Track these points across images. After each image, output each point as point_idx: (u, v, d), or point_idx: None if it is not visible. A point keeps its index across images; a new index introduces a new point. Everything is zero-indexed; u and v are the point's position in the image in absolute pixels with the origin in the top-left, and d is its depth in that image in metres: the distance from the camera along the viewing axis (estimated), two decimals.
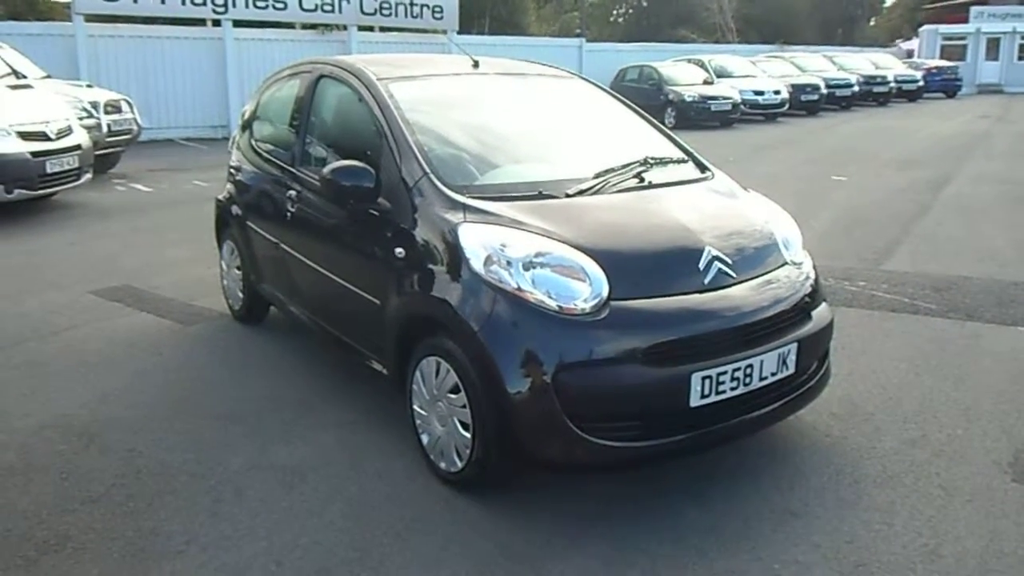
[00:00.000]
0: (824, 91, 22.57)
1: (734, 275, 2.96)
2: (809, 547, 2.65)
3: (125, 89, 12.17)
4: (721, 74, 21.09)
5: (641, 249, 2.90)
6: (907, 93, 26.30)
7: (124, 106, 10.53)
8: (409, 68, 3.82)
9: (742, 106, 19.27)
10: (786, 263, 3.21)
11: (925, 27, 33.97)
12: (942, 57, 31.50)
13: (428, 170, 3.10)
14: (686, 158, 3.75)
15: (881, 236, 7.22)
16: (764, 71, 22.52)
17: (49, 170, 7.72)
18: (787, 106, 20.72)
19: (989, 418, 3.55)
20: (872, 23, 58.30)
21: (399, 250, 3.09)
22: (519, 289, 2.69)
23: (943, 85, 27.97)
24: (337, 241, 3.58)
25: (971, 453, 3.24)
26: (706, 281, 2.89)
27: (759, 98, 20.25)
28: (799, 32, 42.19)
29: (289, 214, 3.93)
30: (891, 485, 3.02)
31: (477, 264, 2.78)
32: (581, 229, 2.90)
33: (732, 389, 2.81)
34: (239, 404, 3.77)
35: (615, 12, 52.19)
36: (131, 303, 5.31)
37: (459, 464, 2.90)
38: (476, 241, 2.82)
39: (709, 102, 18.75)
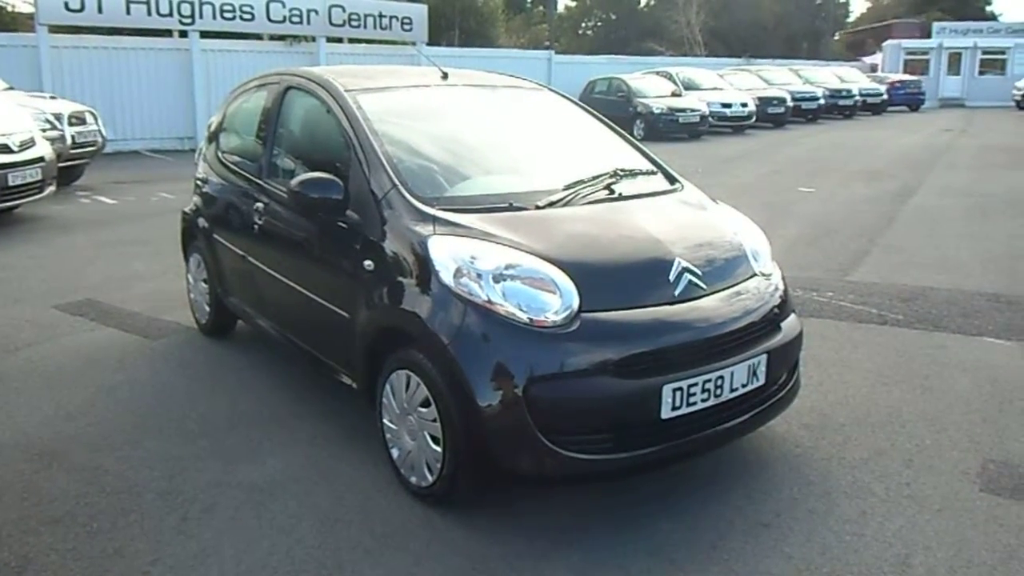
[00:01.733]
0: (790, 104, 22.89)
1: (704, 287, 2.97)
2: (781, 558, 2.66)
3: (90, 101, 12.00)
4: (689, 87, 21.31)
5: (611, 261, 2.90)
6: (872, 106, 26.78)
7: (89, 118, 10.37)
8: (377, 79, 3.81)
9: (710, 118, 19.48)
10: (755, 274, 3.23)
11: (889, 42, 34.67)
12: (905, 71, 32.15)
13: (397, 182, 3.08)
14: (655, 170, 3.77)
15: (848, 247, 7.32)
16: (731, 84, 22.81)
17: (11, 183, 7.57)
18: (754, 119, 20.99)
19: (956, 428, 3.59)
20: (836, 37, 59.39)
21: (368, 263, 3.06)
22: (489, 302, 2.68)
23: (907, 99, 28.52)
24: (305, 254, 3.54)
25: (940, 463, 3.28)
26: (676, 293, 2.89)
27: (727, 110, 20.50)
28: (765, 46, 42.82)
29: (256, 226, 3.88)
30: (861, 495, 3.04)
31: (447, 277, 2.76)
32: (551, 241, 2.89)
33: (703, 401, 2.81)
34: (207, 420, 3.71)
35: (584, 24, 52.65)
36: (95, 317, 5.20)
37: (430, 478, 2.87)
38: (446, 253, 2.81)
39: (677, 114, 18.92)
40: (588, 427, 2.68)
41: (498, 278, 2.71)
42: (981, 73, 31.83)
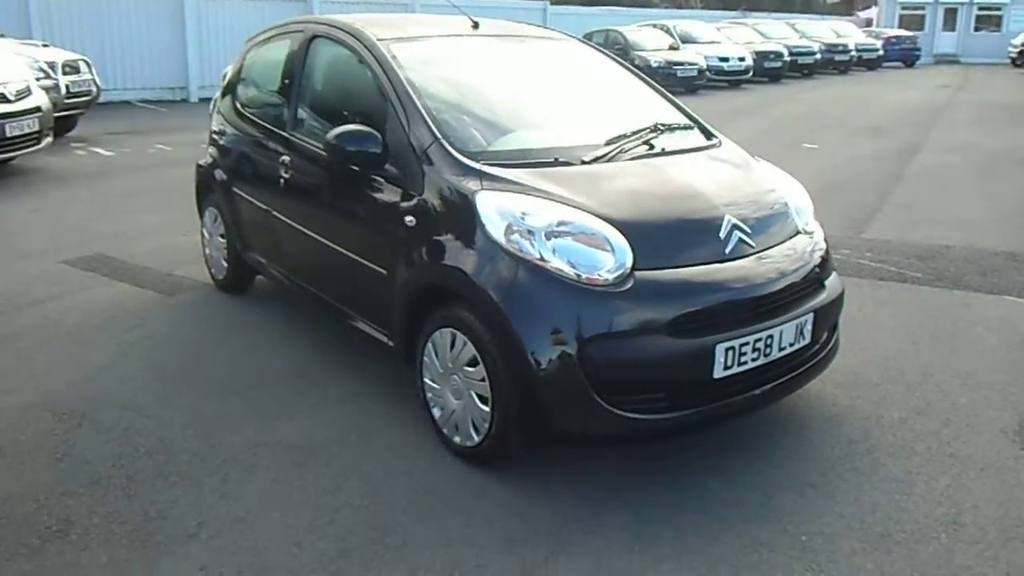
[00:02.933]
0: (787, 59, 22.67)
1: (753, 244, 2.92)
2: (833, 517, 2.65)
3: (80, 49, 11.63)
4: (686, 40, 21.02)
5: (663, 218, 2.83)
6: (867, 62, 26.57)
7: (83, 67, 10.07)
8: (408, 28, 3.67)
9: (707, 72, 19.25)
10: (799, 232, 3.18)
11: None
12: (900, 26, 31.86)
13: (439, 135, 2.99)
14: (692, 124, 3.68)
15: (858, 205, 7.28)
16: (728, 38, 22.52)
17: (8, 133, 7.36)
18: (751, 73, 20.78)
19: (990, 387, 3.59)
20: None
21: (409, 218, 2.98)
22: (542, 259, 2.61)
23: (902, 54, 28.31)
24: (339, 209, 3.45)
25: (977, 422, 3.28)
26: (727, 250, 2.84)
27: (724, 64, 20.27)
28: (758, 0, 42.24)
29: (282, 180, 3.77)
30: (904, 455, 3.04)
31: (497, 233, 2.69)
32: (601, 197, 2.82)
33: (753, 360, 2.78)
34: (234, 377, 3.65)
35: None
36: (107, 273, 5.10)
37: (476, 438, 2.84)
38: (495, 209, 2.73)
39: (675, 68, 18.67)
40: (642, 386, 2.64)
41: (550, 235, 2.64)
42: (976, 29, 31.63)
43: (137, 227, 6.23)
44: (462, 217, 2.81)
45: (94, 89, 10.27)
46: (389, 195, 3.09)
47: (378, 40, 3.42)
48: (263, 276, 4.52)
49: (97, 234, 5.98)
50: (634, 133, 3.31)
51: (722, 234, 2.85)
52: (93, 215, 6.65)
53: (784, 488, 2.82)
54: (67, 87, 9.60)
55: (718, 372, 2.69)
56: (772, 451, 3.07)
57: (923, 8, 32.43)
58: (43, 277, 5.00)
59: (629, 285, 2.61)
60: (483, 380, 2.74)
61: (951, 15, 31.97)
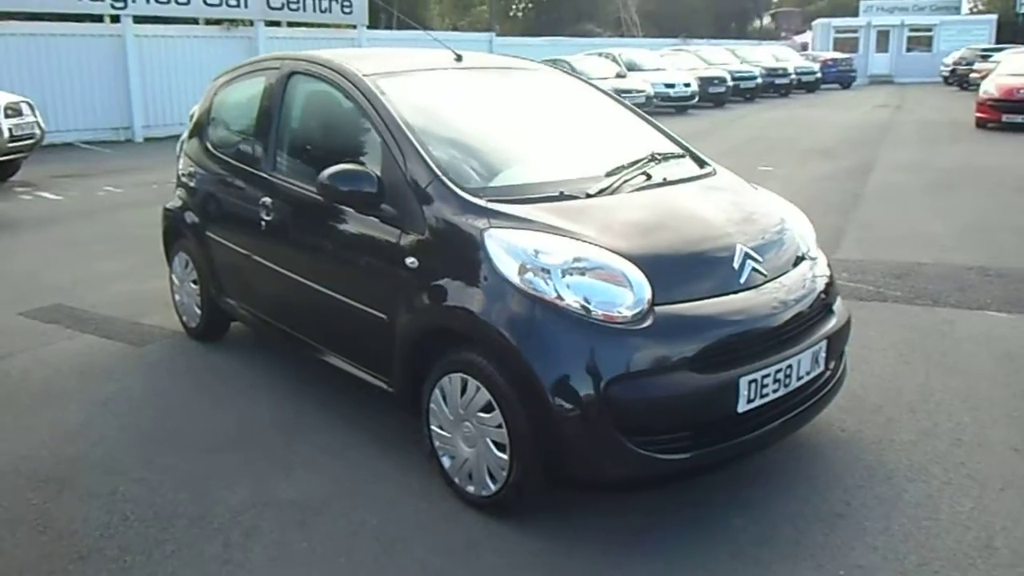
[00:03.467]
0: (730, 83, 23.18)
1: (765, 273, 2.87)
2: (866, 549, 2.59)
3: (19, 91, 11.25)
4: (632, 67, 21.36)
5: (677, 250, 2.77)
6: (806, 84, 27.33)
7: (25, 108, 9.70)
8: (393, 63, 3.57)
9: (654, 99, 19.55)
10: (805, 258, 3.15)
11: (819, 20, 35.41)
12: (835, 49, 32.91)
13: (439, 172, 2.88)
14: (684, 152, 3.65)
15: (823, 225, 7.23)
16: (672, 64, 22.95)
17: None
18: (696, 99, 21.17)
19: (991, 405, 3.59)
20: (766, 19, 60.61)
21: (411, 260, 2.86)
22: (559, 298, 2.52)
23: (839, 76, 29.22)
24: (330, 252, 3.30)
25: (986, 441, 3.27)
26: (742, 280, 2.79)
27: (670, 91, 20.61)
28: (694, 26, 43.34)
29: (263, 223, 3.61)
30: (923, 479, 3.00)
31: (510, 273, 2.58)
32: (613, 231, 2.74)
33: (774, 391, 2.72)
34: (218, 432, 3.45)
35: (515, 7, 52.38)
36: (70, 324, 4.84)
37: (493, 487, 2.71)
38: (506, 248, 2.63)
39: (623, 95, 18.70)
40: (668, 425, 2.55)
41: (566, 272, 2.55)
42: (908, 50, 32.84)
43: (95, 274, 5.96)
44: (470, 256, 2.70)
45: (38, 132, 9.91)
46: (386, 236, 2.97)
47: (364, 76, 3.31)
48: (240, 322, 4.34)
49: (53, 283, 5.70)
50: (632, 164, 3.25)
51: (736, 264, 2.80)
52: (47, 263, 6.35)
53: (812, 520, 2.75)
54: (10, 130, 9.24)
55: (742, 406, 2.62)
56: (791, 481, 3.01)
57: (856, 31, 33.58)
58: (2, 331, 4.72)
59: (650, 321, 2.53)
60: (500, 426, 2.62)
61: (884, 37, 33.19)
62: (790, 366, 2.75)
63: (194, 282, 4.41)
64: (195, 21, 15.94)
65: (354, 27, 18.00)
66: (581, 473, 2.57)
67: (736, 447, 2.66)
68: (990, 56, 23.97)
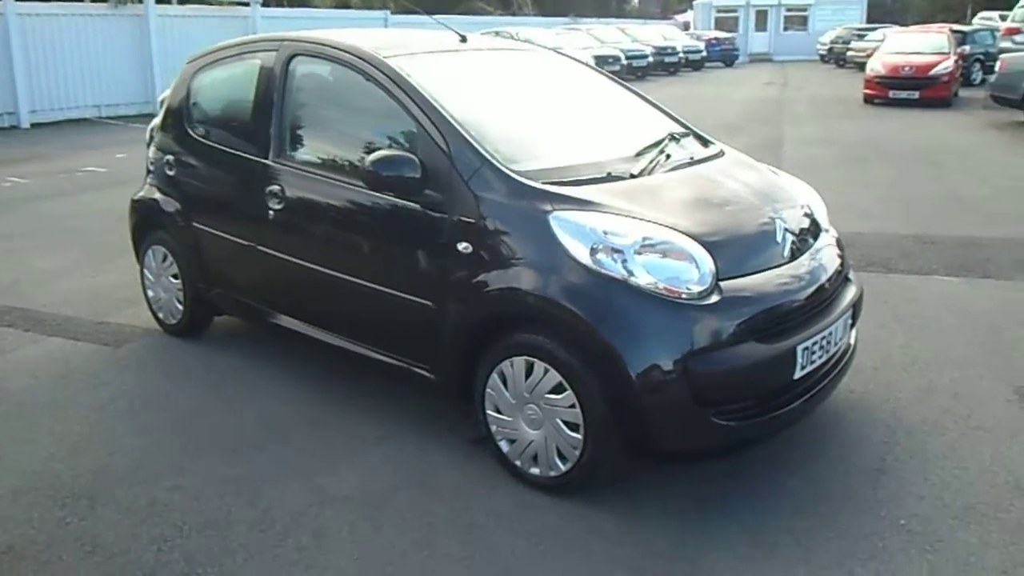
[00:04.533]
0: (624, 62, 23.62)
1: (800, 245, 3.01)
2: (915, 499, 2.78)
3: None
4: None
5: (730, 226, 2.86)
6: (692, 63, 28.22)
7: None
8: (405, 44, 3.48)
9: None
10: (823, 231, 3.31)
11: (701, 1, 36.59)
12: (716, 28, 34.11)
13: (488, 156, 2.85)
14: (689, 131, 3.75)
15: None
16: (568, 43, 23.16)
17: None
18: None
19: (971, 362, 3.89)
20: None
21: (463, 245, 2.82)
22: (633, 277, 2.56)
23: (722, 55, 30.33)
24: (362, 240, 3.20)
25: (980, 394, 3.55)
26: (785, 253, 2.92)
27: None
28: (576, 5, 43.88)
29: (272, 212, 3.47)
30: (938, 432, 3.23)
31: (581, 254, 2.60)
32: (668, 210, 2.81)
33: (819, 358, 2.87)
34: (244, 432, 3.32)
35: None
36: (28, 327, 4.49)
37: (562, 467, 2.74)
38: (574, 230, 2.65)
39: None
40: (738, 395, 2.65)
41: (638, 252, 2.60)
42: (785, 29, 34.45)
43: (34, 272, 5.54)
44: (534, 239, 2.70)
45: None
46: (431, 222, 2.92)
47: (385, 58, 3.22)
48: (230, 316, 4.15)
49: None
50: (656, 144, 3.32)
51: (779, 238, 2.93)
52: None
53: (857, 476, 2.93)
54: None
55: (797, 373, 2.75)
56: (823, 442, 3.18)
57: (736, 11, 34.95)
58: None
59: (719, 296, 2.61)
60: (572, 406, 2.64)
61: (762, 16, 34.69)
62: (830, 333, 2.91)
63: (174, 276, 4.17)
64: None
65: (247, 4, 17.23)
66: (662, 446, 2.64)
67: (792, 413, 2.80)
68: (865, 35, 25.47)
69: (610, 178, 2.95)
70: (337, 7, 34.00)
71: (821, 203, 3.49)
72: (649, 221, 2.69)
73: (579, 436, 2.66)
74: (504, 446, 2.89)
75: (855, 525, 2.65)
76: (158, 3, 15.51)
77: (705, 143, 3.71)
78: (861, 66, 23.88)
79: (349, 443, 3.21)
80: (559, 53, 4.13)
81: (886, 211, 7.08)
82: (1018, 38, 15.76)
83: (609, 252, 2.60)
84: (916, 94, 14.66)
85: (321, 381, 3.74)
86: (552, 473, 2.77)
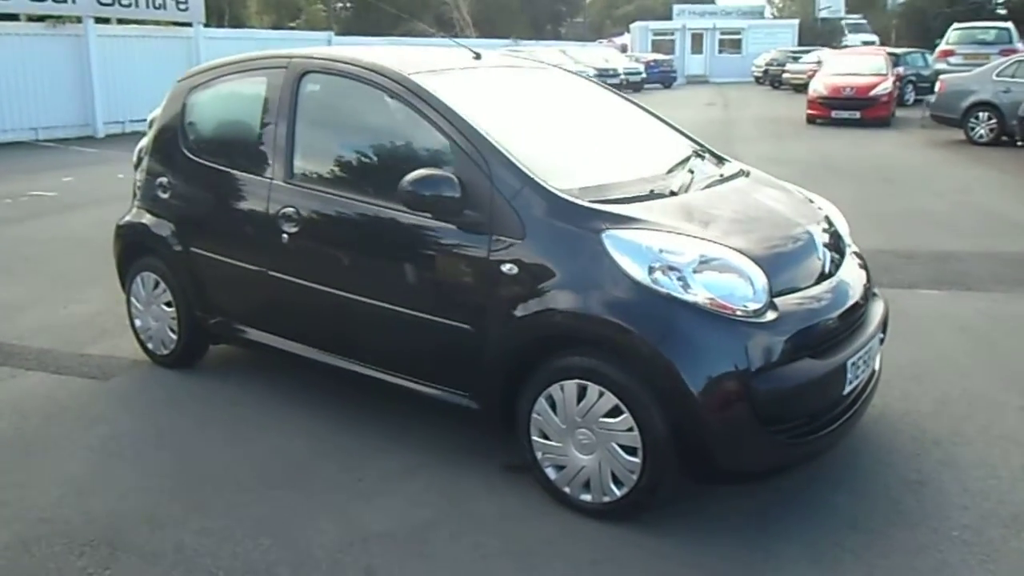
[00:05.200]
0: None
1: (836, 260, 3.03)
2: (959, 510, 2.79)
3: None
4: None
5: (777, 243, 2.86)
6: (633, 84, 28.67)
7: None
8: (422, 61, 3.39)
9: None
10: (849, 246, 3.33)
11: (637, 23, 37.35)
12: (653, 51, 34.84)
13: (532, 175, 2.78)
14: (705, 149, 3.75)
15: None
16: None
17: None
18: None
19: (975, 372, 3.97)
20: (579, 19, 63.03)
21: (508, 267, 2.74)
22: (694, 296, 2.52)
23: (661, 76, 30.96)
24: (392, 263, 3.07)
25: (993, 404, 3.61)
26: (826, 268, 2.92)
27: None
28: (513, 28, 44.32)
29: (285, 236, 3.32)
30: (965, 442, 3.27)
31: (639, 274, 2.55)
32: (716, 228, 2.79)
33: (863, 373, 2.88)
34: (263, 468, 3.14)
35: (336, 7, 51.14)
36: (2, 361, 4.20)
37: (618, 492, 2.66)
38: (629, 249, 2.59)
39: None
40: (796, 412, 2.63)
41: (696, 270, 2.56)
42: (720, 52, 35.40)
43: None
44: (587, 259, 2.63)
45: None
46: (470, 243, 2.83)
47: (409, 75, 3.12)
48: (231, 345, 3.96)
49: None
50: (683, 161, 3.32)
51: (819, 253, 2.93)
52: None
53: (899, 490, 2.93)
54: None
55: (847, 388, 2.75)
56: (856, 456, 3.17)
57: (672, 34, 35.79)
58: None
59: (775, 313, 2.59)
60: (630, 429, 2.58)
61: (698, 39, 35.61)
62: (870, 348, 2.92)
63: (168, 304, 3.97)
64: (15, 17, 14.27)
65: (190, 25, 16.84)
66: (723, 466, 2.59)
67: (841, 429, 2.79)
68: (800, 58, 26.34)
69: (652, 196, 2.91)
70: (272, 28, 33.63)
71: (843, 219, 3.52)
72: (703, 239, 2.66)
73: (637, 460, 2.59)
74: (551, 473, 2.80)
75: (910, 538, 2.64)
76: (97, 23, 15.02)
77: (720, 160, 3.71)
78: (797, 87, 24.82)
79: (377, 475, 3.07)
80: (563, 69, 4.10)
81: (858, 227, 7.12)
82: (952, 60, 16.53)
83: (667, 271, 2.55)
84: (858, 114, 15.17)
85: (332, 411, 3.58)
86: (606, 499, 2.69)
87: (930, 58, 18.79)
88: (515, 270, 2.73)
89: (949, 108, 12.50)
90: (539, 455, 2.82)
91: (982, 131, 12.18)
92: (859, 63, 16.29)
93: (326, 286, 3.25)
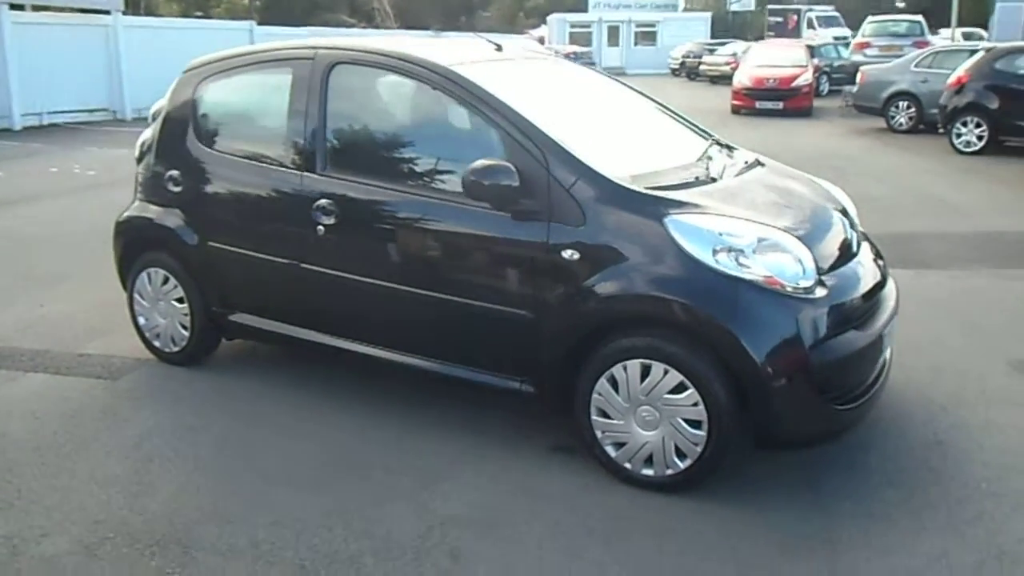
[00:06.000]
0: None
1: (857, 240, 3.24)
2: (981, 466, 3.03)
3: None
4: None
5: (816, 225, 3.04)
6: None
7: None
8: (455, 53, 3.41)
9: None
10: (857, 226, 3.55)
11: (554, 15, 37.68)
12: (570, 43, 35.21)
13: (588, 164, 2.87)
14: (715, 137, 3.91)
15: None
16: None
17: None
18: None
19: (955, 344, 4.28)
20: (487, 13, 63.07)
21: (569, 252, 2.82)
22: (754, 275, 2.67)
23: None
24: (444, 253, 3.10)
25: (981, 371, 3.90)
26: (854, 247, 3.13)
27: None
28: (426, 18, 44.06)
29: (321, 228, 3.30)
30: (968, 405, 3.54)
31: (704, 255, 2.67)
32: (762, 211, 2.94)
33: (892, 343, 3.10)
34: (317, 461, 3.13)
35: None
36: None
37: (681, 465, 2.79)
38: (693, 232, 2.71)
39: None
40: (848, 380, 2.81)
41: (756, 251, 2.70)
42: (636, 44, 36.09)
43: None
44: (651, 243, 2.74)
45: None
46: (528, 230, 2.89)
47: (450, 65, 3.16)
48: (251, 340, 3.91)
49: None
50: (708, 150, 3.46)
51: (847, 232, 3.13)
52: None
53: (923, 451, 3.16)
54: None
55: (883, 356, 2.97)
56: (875, 423, 3.37)
57: (589, 26, 36.26)
58: None
59: (824, 290, 2.76)
60: (695, 404, 2.71)
61: (614, 32, 36.21)
62: (894, 321, 3.14)
63: (179, 300, 3.87)
64: None
65: (108, 12, 16.10)
66: (786, 435, 2.76)
67: (876, 396, 3.00)
68: (715, 50, 27.14)
69: (698, 182, 3.04)
70: (182, 16, 32.46)
71: (850, 201, 3.74)
72: (759, 222, 2.81)
73: (701, 433, 2.72)
74: (611, 450, 2.91)
75: (945, 492, 2.88)
76: (12, 9, 14.20)
77: (731, 148, 3.88)
78: (713, 79, 25.61)
79: (433, 462, 3.10)
80: (581, 63, 4.19)
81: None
82: (868, 51, 17.39)
83: (728, 252, 2.69)
84: (780, 104, 15.80)
85: (364, 402, 3.58)
86: (669, 471, 2.82)
87: (843, 50, 19.73)
88: (576, 256, 2.82)
89: (870, 98, 13.19)
90: (599, 434, 2.92)
91: (902, 119, 12.92)
92: (781, 55, 16.96)
93: (369, 277, 3.25)
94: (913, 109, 12.74)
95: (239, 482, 2.99)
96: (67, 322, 4.61)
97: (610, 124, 3.55)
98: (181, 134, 3.81)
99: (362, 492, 2.91)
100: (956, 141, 10.83)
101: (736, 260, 2.68)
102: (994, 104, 10.41)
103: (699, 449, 2.74)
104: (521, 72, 3.60)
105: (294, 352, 3.94)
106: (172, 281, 3.87)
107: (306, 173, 3.37)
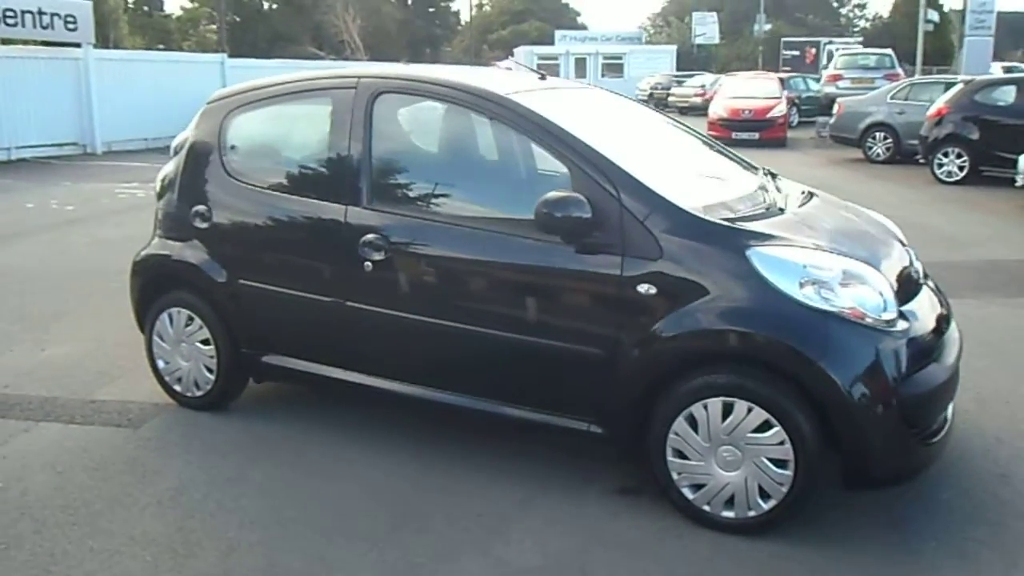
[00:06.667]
0: None
1: (924, 272, 3.20)
2: None
3: None
4: None
5: (887, 257, 2.98)
6: None
7: None
8: (508, 82, 3.30)
9: None
10: None
11: (521, 47, 38.04)
12: None
13: (664, 195, 2.78)
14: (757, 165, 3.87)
15: None
16: None
17: None
18: None
19: (991, 372, 4.24)
20: (447, 48, 63.67)
21: (644, 287, 2.71)
22: (844, 309, 2.59)
23: None
24: (507, 290, 2.97)
25: (1014, 399, 3.88)
26: (920, 278, 3.09)
27: None
28: (392, 51, 44.24)
29: (369, 264, 3.15)
30: (1022, 438, 3.49)
31: (790, 288, 2.59)
32: (837, 243, 2.87)
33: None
34: (367, 509, 2.95)
35: (204, 28, 49.46)
36: (3, 413, 3.77)
37: (764, 506, 2.68)
38: (778, 265, 2.63)
39: None
40: (933, 414, 2.75)
41: (842, 284, 2.63)
42: (603, 75, 36.54)
43: None
44: (732, 276, 2.64)
45: None
46: (600, 264, 2.77)
47: (507, 94, 3.06)
48: (282, 382, 3.72)
49: None
50: (763, 179, 3.42)
51: (912, 264, 3.09)
52: None
53: (991, 484, 3.10)
54: None
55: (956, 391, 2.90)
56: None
57: (557, 58, 36.65)
58: None
59: (906, 323, 2.69)
60: (781, 443, 2.60)
61: (581, 64, 36.67)
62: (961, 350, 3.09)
63: (204, 342, 3.68)
64: None
65: (79, 45, 15.79)
66: (876, 472, 2.66)
67: (952, 430, 2.92)
68: (684, 82, 27.56)
69: (769, 213, 2.97)
70: (145, 49, 32.10)
71: (900, 232, 3.70)
72: (841, 254, 2.74)
73: (788, 472, 2.62)
74: (688, 492, 2.78)
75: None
76: None
77: (776, 177, 3.83)
78: (682, 110, 25.98)
79: (496, 509, 2.95)
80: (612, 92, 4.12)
81: None
82: (840, 84, 17.77)
83: (815, 285, 2.61)
84: (756, 135, 16.03)
85: (404, 443, 3.41)
86: (751, 513, 2.70)
87: (811, 83, 20.15)
88: (653, 290, 2.71)
89: (847, 129, 13.43)
90: (675, 475, 2.79)
91: (879, 150, 13.16)
92: (755, 87, 17.25)
93: (420, 315, 3.10)
94: (890, 140, 12.99)
95: (292, 536, 2.80)
96: (73, 366, 4.37)
97: (666, 153, 3.49)
98: (208, 167, 3.65)
99: (426, 544, 2.74)
100: (938, 171, 11.04)
101: (820, 293, 2.60)
102: (974, 135, 10.64)
103: (784, 489, 2.64)
104: (571, 101, 3.52)
105: (322, 393, 3.77)
106: (197, 321, 3.68)
107: (350, 207, 3.22)
